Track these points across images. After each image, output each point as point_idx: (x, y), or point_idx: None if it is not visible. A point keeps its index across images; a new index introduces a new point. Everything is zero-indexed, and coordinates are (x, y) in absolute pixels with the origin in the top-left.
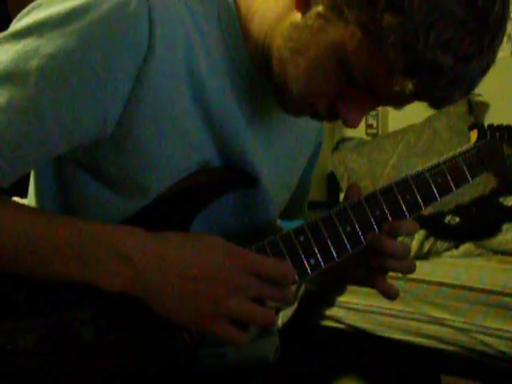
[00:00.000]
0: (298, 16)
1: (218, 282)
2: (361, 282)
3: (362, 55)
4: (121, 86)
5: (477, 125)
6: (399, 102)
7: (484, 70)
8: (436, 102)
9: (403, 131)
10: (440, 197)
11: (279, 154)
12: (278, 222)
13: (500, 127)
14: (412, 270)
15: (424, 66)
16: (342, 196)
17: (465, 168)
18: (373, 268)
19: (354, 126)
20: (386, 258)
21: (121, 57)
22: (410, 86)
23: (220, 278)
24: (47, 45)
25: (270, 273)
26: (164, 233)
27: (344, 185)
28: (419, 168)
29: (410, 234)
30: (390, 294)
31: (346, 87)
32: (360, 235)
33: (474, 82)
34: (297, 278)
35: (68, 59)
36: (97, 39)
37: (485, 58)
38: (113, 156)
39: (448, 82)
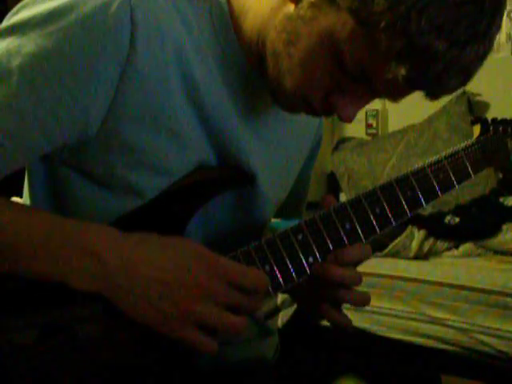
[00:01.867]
0: (291, 7)
1: (186, 286)
2: (318, 317)
3: (355, 42)
4: (102, 88)
5: (480, 119)
6: (394, 91)
7: (480, 58)
8: (431, 91)
9: (403, 131)
10: (442, 193)
11: (275, 152)
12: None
13: (503, 121)
14: (366, 301)
15: (417, 51)
16: (342, 196)
17: (467, 163)
18: (325, 300)
19: (350, 119)
20: (335, 288)
21: (101, 58)
22: (402, 71)
23: (189, 282)
24: (28, 44)
25: (241, 280)
26: (136, 234)
27: (344, 185)
28: (420, 164)
29: (360, 261)
30: (345, 327)
31: (340, 79)
32: (359, 233)
33: (469, 69)
34: (270, 289)
35: (48, 59)
36: (77, 40)
37: (481, 44)
38: (101, 156)
39: (442, 67)
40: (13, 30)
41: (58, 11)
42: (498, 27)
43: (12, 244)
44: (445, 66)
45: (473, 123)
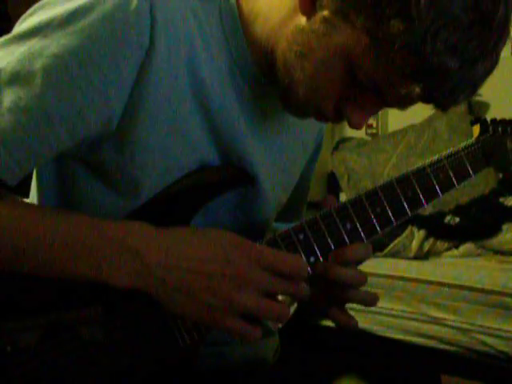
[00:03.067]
0: (302, 20)
1: (228, 276)
2: (325, 316)
3: (369, 60)
4: (125, 83)
5: (479, 119)
6: (405, 103)
7: (488, 72)
8: (441, 105)
9: (403, 131)
10: (442, 193)
11: (278, 155)
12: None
13: (503, 121)
14: (374, 301)
15: (431, 70)
16: (342, 196)
17: (467, 163)
18: (331, 300)
19: (360, 127)
20: (341, 289)
21: (124, 53)
22: (417, 89)
23: (231, 272)
24: (51, 45)
25: (282, 267)
26: (171, 227)
27: (344, 185)
28: (420, 164)
29: (361, 260)
30: (350, 327)
31: (352, 90)
32: (360, 232)
33: (478, 83)
34: (310, 271)
35: (72, 58)
36: (100, 37)
37: (489, 60)
38: (113, 152)
39: (454, 84)
40: (33, 33)
41: (78, 11)
42: (505, 42)
43: (45, 247)
44: (456, 83)
45: (472, 123)
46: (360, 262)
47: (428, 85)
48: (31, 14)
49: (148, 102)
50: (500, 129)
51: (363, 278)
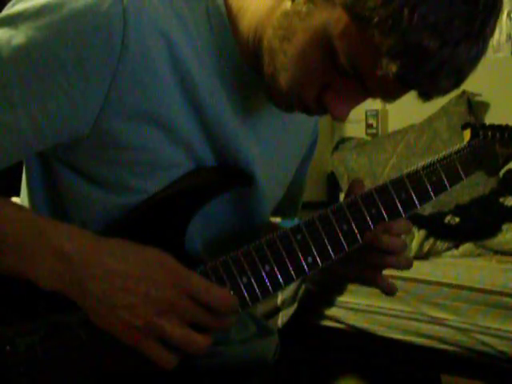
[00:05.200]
0: (288, 4)
1: (152, 299)
2: (359, 280)
3: (348, 38)
4: (94, 86)
5: (470, 124)
6: (387, 90)
7: (473, 58)
8: (424, 90)
9: (403, 131)
10: (435, 195)
11: (273, 151)
12: (278, 220)
13: (492, 127)
14: (409, 265)
15: (408, 48)
16: (342, 196)
17: (459, 166)
18: (370, 265)
19: (342, 118)
20: (383, 255)
21: (91, 56)
22: (393, 68)
23: (156, 295)
24: (18, 36)
25: (207, 298)
26: (111, 239)
27: (344, 185)
28: (414, 167)
29: (404, 233)
30: (389, 290)
31: (333, 76)
32: (356, 233)
33: (462, 70)
34: (239, 308)
35: (38, 52)
36: (67, 35)
37: (474, 44)
38: (96, 154)
39: (434, 66)
40: (5, 22)
41: (50, 5)
42: (493, 28)
43: None
44: (437, 65)
45: (463, 128)
46: (403, 234)
47: (405, 65)
48: (12, 5)
49: (128, 105)
50: (490, 134)
51: (406, 245)
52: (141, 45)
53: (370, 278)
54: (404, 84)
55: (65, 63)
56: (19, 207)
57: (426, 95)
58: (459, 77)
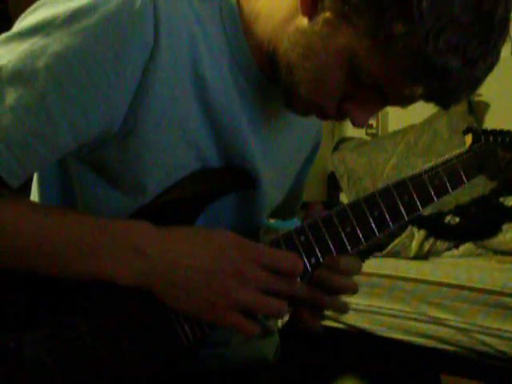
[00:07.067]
0: (304, 21)
1: (228, 274)
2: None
3: (371, 61)
4: (128, 83)
5: (471, 129)
6: (407, 102)
7: (489, 69)
8: (443, 103)
9: (403, 131)
10: (437, 198)
11: (277, 155)
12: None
13: (493, 131)
14: (346, 310)
15: (434, 71)
16: (342, 196)
17: (461, 170)
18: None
19: (363, 125)
20: (325, 294)
21: (128, 53)
22: (419, 90)
23: (231, 269)
24: (54, 44)
25: (279, 265)
26: (174, 226)
27: (344, 185)
28: (417, 170)
29: (352, 273)
30: (314, 330)
31: (355, 89)
32: (359, 235)
33: (478, 82)
34: (309, 268)
35: (76, 58)
36: (104, 37)
37: (490, 59)
38: (116, 152)
39: (455, 84)
40: (35, 31)
41: (82, 10)
42: (504, 41)
43: (48, 247)
44: (458, 82)
45: (465, 133)
46: (350, 274)
47: (430, 85)
48: (32, 12)
49: (151, 102)
50: (491, 138)
51: (357, 288)
52: (169, 44)
53: (304, 315)
54: (428, 101)
55: (104, 66)
56: (76, 212)
57: (445, 106)
58: (475, 87)
